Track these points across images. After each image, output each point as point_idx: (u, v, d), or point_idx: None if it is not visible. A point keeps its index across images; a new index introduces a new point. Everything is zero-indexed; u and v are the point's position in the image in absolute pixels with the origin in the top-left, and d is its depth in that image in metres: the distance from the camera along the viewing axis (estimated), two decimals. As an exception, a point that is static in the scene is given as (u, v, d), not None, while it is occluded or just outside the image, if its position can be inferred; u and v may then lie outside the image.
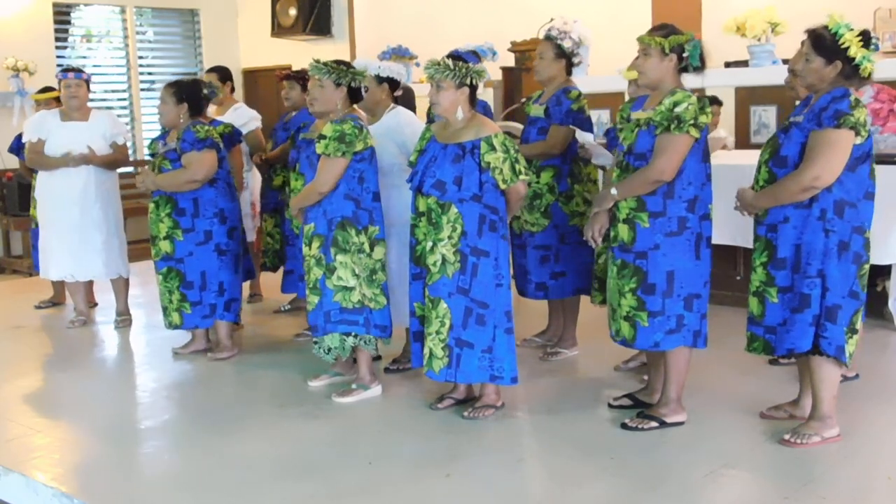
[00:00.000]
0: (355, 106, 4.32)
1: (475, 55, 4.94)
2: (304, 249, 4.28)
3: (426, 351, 3.95)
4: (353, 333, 4.25)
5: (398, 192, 4.36)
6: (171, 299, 4.98)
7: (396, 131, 4.42)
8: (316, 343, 4.34)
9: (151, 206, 5.01)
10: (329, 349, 4.31)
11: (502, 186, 3.86)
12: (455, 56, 4.56)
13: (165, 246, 4.93)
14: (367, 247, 4.22)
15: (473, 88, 3.93)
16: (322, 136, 4.14)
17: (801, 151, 3.43)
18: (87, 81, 5.92)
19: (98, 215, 5.83)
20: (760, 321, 3.60)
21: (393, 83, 4.56)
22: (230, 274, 5.04)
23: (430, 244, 3.90)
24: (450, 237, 3.85)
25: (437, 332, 3.89)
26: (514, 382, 3.96)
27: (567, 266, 4.71)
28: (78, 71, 5.87)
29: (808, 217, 3.44)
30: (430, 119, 4.76)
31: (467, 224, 3.84)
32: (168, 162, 4.93)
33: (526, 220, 4.72)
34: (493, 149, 3.83)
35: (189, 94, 4.98)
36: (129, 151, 6.15)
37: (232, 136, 5.81)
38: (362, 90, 4.33)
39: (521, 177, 3.87)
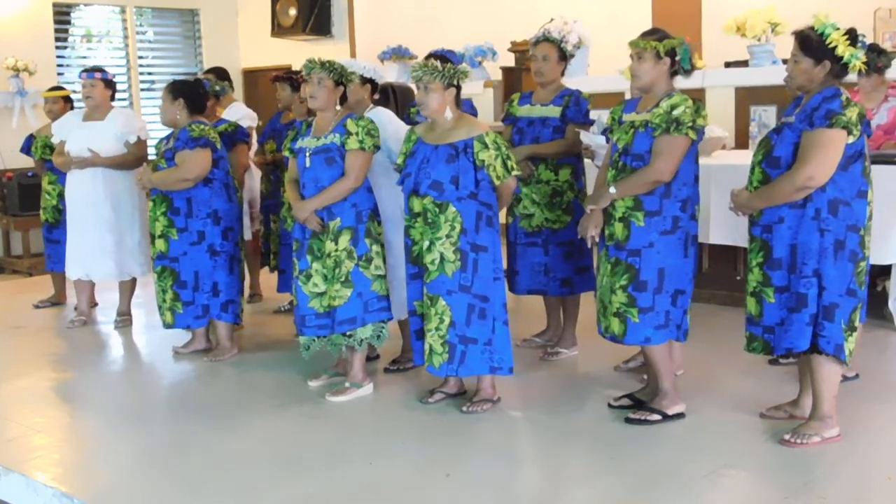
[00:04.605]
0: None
1: (454, 54, 4.98)
2: (328, 245, 4.20)
3: (426, 347, 4.00)
4: (385, 320, 4.31)
5: (378, 190, 4.43)
6: (165, 298, 4.99)
7: (378, 129, 4.45)
8: (350, 336, 4.27)
9: (150, 204, 5.05)
10: (361, 341, 4.30)
11: (496, 183, 3.92)
12: (438, 56, 4.60)
13: (161, 244, 4.95)
14: (383, 238, 4.35)
15: (459, 89, 4.00)
16: (349, 133, 4.16)
17: (794, 152, 3.45)
18: (106, 81, 5.81)
19: (109, 216, 5.73)
20: (759, 321, 3.62)
21: (374, 84, 4.63)
22: (226, 275, 5.02)
23: (427, 243, 3.94)
24: (448, 236, 3.90)
25: (437, 329, 3.94)
26: (511, 373, 4.03)
27: (590, 260, 4.74)
28: (92, 71, 5.80)
29: (802, 217, 3.45)
30: (412, 121, 4.77)
31: (466, 222, 3.90)
32: (164, 160, 4.95)
33: (546, 218, 4.73)
34: (486, 147, 3.90)
35: (184, 92, 4.99)
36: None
37: (234, 135, 5.78)
38: (347, 91, 4.38)
39: (514, 172, 3.95)
